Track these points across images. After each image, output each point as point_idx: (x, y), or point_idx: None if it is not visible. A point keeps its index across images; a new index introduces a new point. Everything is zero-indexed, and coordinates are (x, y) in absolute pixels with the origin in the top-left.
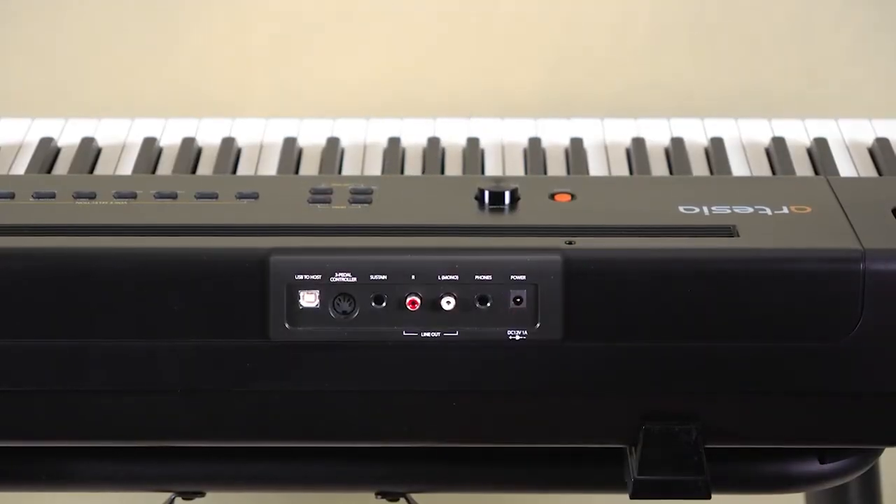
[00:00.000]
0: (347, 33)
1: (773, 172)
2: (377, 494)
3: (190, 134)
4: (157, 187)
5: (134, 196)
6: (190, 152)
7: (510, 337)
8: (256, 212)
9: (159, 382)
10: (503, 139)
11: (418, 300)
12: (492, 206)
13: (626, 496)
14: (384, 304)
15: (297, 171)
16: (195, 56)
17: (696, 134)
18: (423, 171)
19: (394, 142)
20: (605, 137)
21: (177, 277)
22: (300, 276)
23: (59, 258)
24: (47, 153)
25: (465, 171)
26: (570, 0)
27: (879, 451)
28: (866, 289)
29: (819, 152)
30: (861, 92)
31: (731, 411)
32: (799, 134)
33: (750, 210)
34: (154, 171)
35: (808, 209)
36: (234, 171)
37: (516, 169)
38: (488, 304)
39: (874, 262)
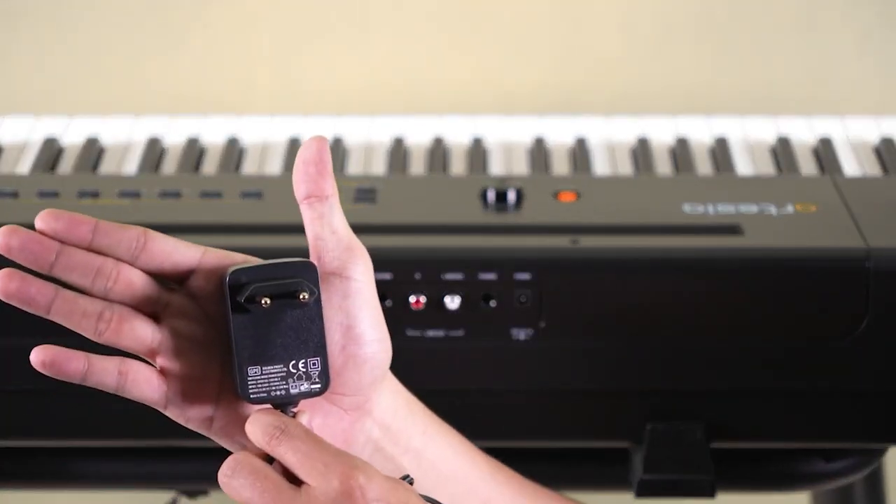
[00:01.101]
0: (351, 32)
1: (779, 171)
2: None
3: (194, 132)
4: (161, 186)
5: (138, 195)
6: (194, 151)
7: (515, 336)
8: (260, 211)
9: None
10: (508, 138)
11: (423, 299)
12: (496, 205)
13: (631, 495)
14: (389, 303)
15: None
16: (199, 55)
17: (701, 132)
18: (428, 170)
19: (398, 140)
20: (610, 136)
21: None
22: None
23: None
24: (51, 151)
25: (469, 170)
26: None
27: (884, 450)
28: (871, 287)
29: (824, 151)
30: (866, 90)
31: (735, 410)
32: (804, 132)
33: (755, 209)
34: (158, 169)
35: (814, 208)
36: (238, 170)
37: (521, 168)
38: (493, 304)
39: (879, 261)
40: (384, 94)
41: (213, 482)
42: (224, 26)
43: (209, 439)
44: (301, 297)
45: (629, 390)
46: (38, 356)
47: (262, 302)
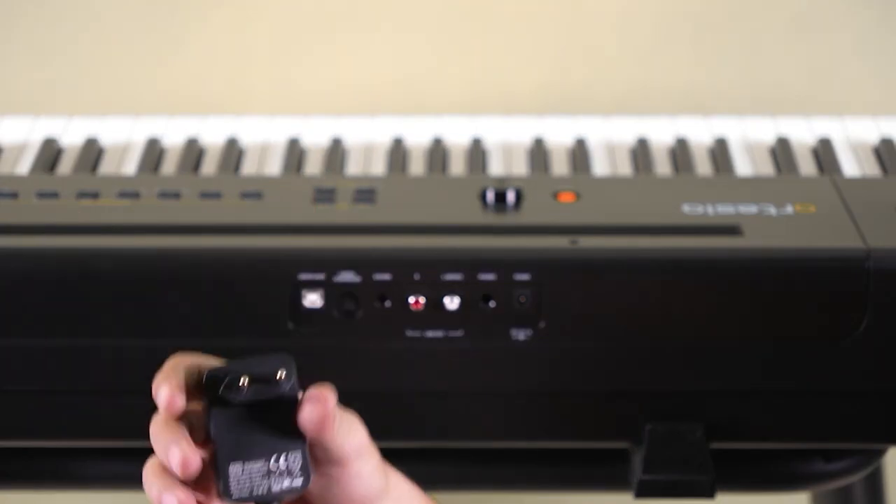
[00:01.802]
0: (351, 32)
1: (778, 171)
2: None
3: (194, 133)
4: (160, 187)
5: (137, 195)
6: (193, 151)
7: (514, 336)
8: (260, 211)
9: None
10: (507, 138)
11: (422, 300)
12: (496, 206)
13: (631, 496)
14: (388, 304)
15: (300, 171)
16: (199, 55)
17: (700, 133)
18: (427, 171)
19: (397, 141)
20: (610, 136)
21: (180, 277)
22: (304, 276)
23: (61, 258)
24: (51, 152)
25: (468, 170)
26: None
27: (884, 451)
28: (871, 287)
29: (823, 151)
30: (866, 90)
31: (735, 410)
32: (803, 133)
33: (754, 209)
34: (157, 170)
35: (813, 208)
36: (238, 171)
37: (520, 168)
38: (492, 304)
39: (879, 261)
40: (383, 94)
41: None
42: (223, 26)
43: None
44: (278, 374)
45: (629, 390)
46: None
47: (241, 383)
